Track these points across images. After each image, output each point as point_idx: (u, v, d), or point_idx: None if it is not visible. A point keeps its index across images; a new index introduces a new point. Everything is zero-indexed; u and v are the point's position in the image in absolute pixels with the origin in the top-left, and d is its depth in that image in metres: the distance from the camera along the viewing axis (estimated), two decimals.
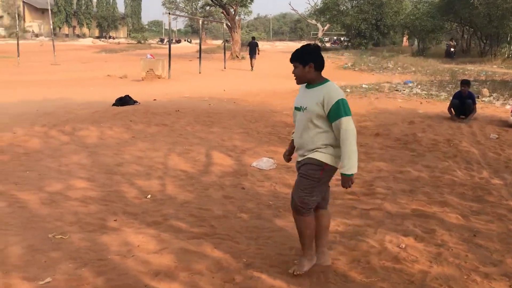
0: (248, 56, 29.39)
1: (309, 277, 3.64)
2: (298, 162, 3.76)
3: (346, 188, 3.55)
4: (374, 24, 45.95)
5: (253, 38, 31.91)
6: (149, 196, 5.85)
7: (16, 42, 31.10)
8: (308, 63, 3.59)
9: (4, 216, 4.90)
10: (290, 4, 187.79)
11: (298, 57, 3.62)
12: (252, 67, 27.52)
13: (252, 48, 27.85)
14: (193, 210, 5.33)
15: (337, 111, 3.42)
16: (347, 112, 3.44)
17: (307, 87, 3.69)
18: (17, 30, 32.38)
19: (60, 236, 4.39)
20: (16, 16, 33.48)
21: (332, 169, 3.59)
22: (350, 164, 3.43)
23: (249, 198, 5.84)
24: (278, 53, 40.11)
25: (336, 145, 3.54)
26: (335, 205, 5.49)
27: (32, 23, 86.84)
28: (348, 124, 3.42)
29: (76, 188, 6.00)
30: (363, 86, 15.47)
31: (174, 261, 3.85)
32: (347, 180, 3.48)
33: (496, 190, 6.11)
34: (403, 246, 4.16)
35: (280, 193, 6.08)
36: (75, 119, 10.02)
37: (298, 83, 3.72)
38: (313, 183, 3.57)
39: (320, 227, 3.82)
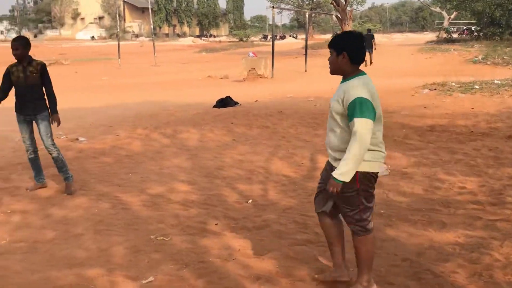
0: None
1: None
2: (330, 164, 3.67)
3: (330, 191, 3.43)
4: (511, 9, 43.27)
5: (369, 30, 31.95)
6: (250, 201, 6.16)
7: (116, 43, 33.56)
8: (341, 52, 3.50)
9: (108, 217, 5.46)
10: None
11: (333, 44, 3.56)
12: (366, 62, 26.46)
13: (368, 41, 26.78)
14: (296, 216, 5.54)
15: (352, 110, 3.33)
16: (363, 113, 3.30)
17: (342, 81, 3.61)
18: (118, 30, 34.90)
19: (162, 237, 4.82)
20: (117, 16, 36.13)
21: (368, 175, 3.52)
22: (345, 170, 3.34)
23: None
24: (395, 46, 39.27)
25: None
26: (457, 215, 5.41)
27: (132, 23, 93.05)
28: (361, 127, 3.29)
29: (177, 191, 6.49)
30: (495, 82, 14.75)
31: (275, 266, 4.08)
32: (334, 185, 3.39)
33: None
34: None
35: (392, 201, 6.09)
36: (176, 121, 10.72)
37: (330, 73, 3.66)
38: (353, 197, 3.53)
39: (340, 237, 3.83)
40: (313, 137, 9.50)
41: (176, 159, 8.04)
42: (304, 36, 38.36)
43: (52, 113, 6.13)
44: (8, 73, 6.05)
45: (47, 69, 6.24)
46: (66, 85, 21.59)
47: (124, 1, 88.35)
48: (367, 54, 25.93)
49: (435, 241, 4.69)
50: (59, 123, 6.18)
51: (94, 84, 21.95)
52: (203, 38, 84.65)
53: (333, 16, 37.17)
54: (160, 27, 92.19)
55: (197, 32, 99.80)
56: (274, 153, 8.36)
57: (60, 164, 6.27)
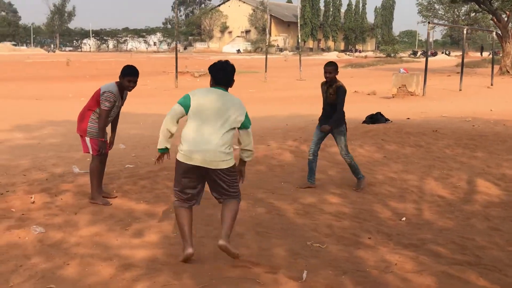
0: None
1: None
2: None
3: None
4: None
5: None
6: (403, 218, 6.25)
7: (261, 56, 34.91)
8: None
9: (265, 221, 5.88)
10: None
11: None
12: None
13: None
14: (454, 237, 5.53)
15: None
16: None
17: None
18: (267, 44, 36.30)
19: (318, 245, 5.11)
20: (267, 30, 37.60)
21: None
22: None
23: None
24: None
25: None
26: None
27: (278, 37, 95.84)
28: None
29: (329, 202, 6.77)
30: None
31: (435, 282, 4.17)
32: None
33: None
34: None
35: None
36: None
37: None
38: None
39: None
40: (471, 159, 9.29)
41: (327, 172, 8.32)
42: (457, 53, 36.90)
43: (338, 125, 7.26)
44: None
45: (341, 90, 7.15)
46: None
47: (271, 15, 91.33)
48: None
49: None
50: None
51: (242, 97, 22.98)
52: (348, 53, 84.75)
53: (493, 33, 35.37)
54: (305, 41, 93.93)
55: (342, 46, 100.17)
56: (428, 173, 8.32)
57: (352, 169, 7.44)
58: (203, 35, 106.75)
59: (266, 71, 33.07)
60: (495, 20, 36.90)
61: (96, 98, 6.15)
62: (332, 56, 74.81)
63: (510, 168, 8.71)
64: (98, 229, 5.40)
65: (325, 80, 7.29)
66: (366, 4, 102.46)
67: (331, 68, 7.18)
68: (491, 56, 33.58)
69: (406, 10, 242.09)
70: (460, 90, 24.29)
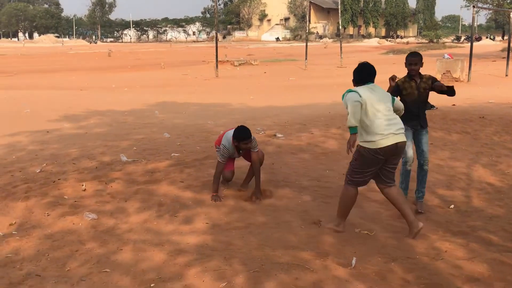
0: None
1: None
2: None
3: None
4: None
5: None
6: (452, 206, 6.18)
7: (301, 44, 34.70)
8: None
9: (311, 208, 5.90)
10: None
11: None
12: None
13: None
14: (505, 225, 5.46)
15: None
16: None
17: None
18: (307, 31, 36.06)
19: (366, 232, 5.11)
20: (307, 17, 37.33)
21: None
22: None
23: None
24: None
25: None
26: None
27: (317, 24, 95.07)
28: None
29: (376, 190, 6.70)
30: None
31: (487, 269, 4.14)
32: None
33: None
34: None
35: None
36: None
37: None
38: None
39: None
40: None
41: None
42: (504, 38, 35.86)
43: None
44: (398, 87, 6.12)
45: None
46: (259, 84, 23.07)
47: (310, 2, 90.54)
48: None
49: None
50: None
51: (282, 84, 23.05)
52: (389, 39, 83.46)
53: None
54: (345, 28, 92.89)
55: (383, 33, 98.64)
56: (476, 160, 8.19)
57: (424, 178, 6.24)
58: (242, 23, 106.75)
59: (306, 58, 32.86)
60: None
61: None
62: (373, 42, 73.85)
63: None
64: (148, 216, 5.53)
65: (408, 74, 6.10)
66: None
67: (417, 59, 6.03)
68: None
69: None
70: (506, 75, 23.65)
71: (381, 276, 4.08)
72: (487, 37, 78.65)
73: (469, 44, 23.01)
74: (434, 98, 13.70)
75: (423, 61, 6.13)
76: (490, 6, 69.78)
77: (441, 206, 6.18)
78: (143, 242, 4.77)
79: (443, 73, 20.56)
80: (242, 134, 6.15)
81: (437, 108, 12.46)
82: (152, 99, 16.75)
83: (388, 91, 5.81)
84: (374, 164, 5.00)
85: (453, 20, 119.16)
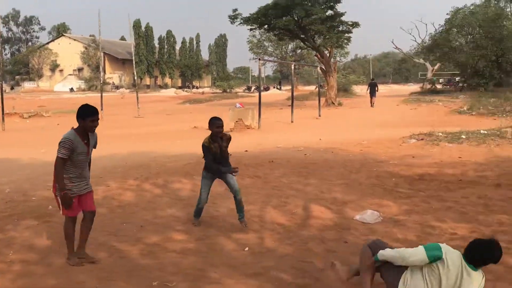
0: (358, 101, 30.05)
1: None
2: None
3: None
4: (494, 61, 44.99)
5: (372, 79, 44.38)
6: (247, 248, 6.43)
7: (96, 94, 34.03)
8: None
9: (107, 266, 5.67)
10: (393, 42, 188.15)
11: None
12: (371, 104, 36.48)
13: (372, 88, 37.18)
14: (294, 262, 5.81)
15: None
16: None
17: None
18: (101, 82, 35.53)
19: (166, 283, 5.04)
20: (101, 68, 36.79)
21: None
22: None
23: (353, 251, 6.21)
24: (380, 98, 40.37)
25: None
26: None
27: (113, 75, 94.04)
28: None
29: (174, 240, 6.73)
30: (482, 132, 15.37)
31: None
32: None
33: None
34: None
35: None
36: (166, 171, 11.00)
37: None
38: None
39: None
40: (305, 186, 9.83)
41: (170, 209, 8.29)
42: (287, 88, 39.21)
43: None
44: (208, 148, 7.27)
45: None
46: (50, 138, 21.81)
47: (104, 53, 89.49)
48: (373, 98, 36.86)
49: None
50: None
51: None
52: (185, 89, 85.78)
53: (318, 68, 38.24)
54: (141, 79, 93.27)
55: (179, 83, 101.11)
56: (267, 202, 8.66)
57: (240, 205, 7.47)
58: (32, 74, 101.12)
59: (102, 109, 32.19)
60: (319, 56, 39.97)
61: None
62: (170, 92, 75.18)
63: (340, 192, 9.38)
64: None
65: (216, 136, 7.24)
66: (200, 41, 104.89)
67: (222, 122, 7.31)
68: (317, 89, 36.18)
69: (238, 48, 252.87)
70: (292, 122, 25.73)
71: None
72: (274, 87, 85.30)
73: (259, 93, 24.70)
74: (229, 145, 14.28)
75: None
76: (275, 58, 76.03)
77: (237, 250, 6.38)
78: None
79: (236, 121, 21.66)
80: (90, 109, 5.63)
81: (231, 154, 12.99)
82: None
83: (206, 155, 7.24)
84: None
85: (243, 71, 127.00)
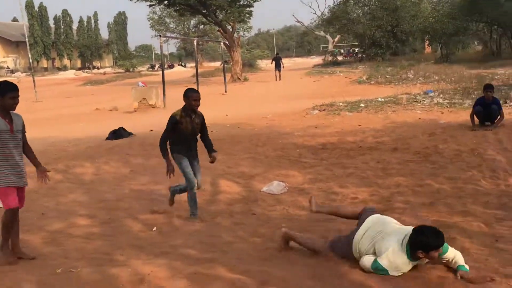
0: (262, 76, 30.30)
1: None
2: None
3: None
4: (390, 31, 46.95)
5: (277, 53, 45.66)
6: (154, 228, 6.37)
7: None
8: None
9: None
10: (294, 16, 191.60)
11: None
12: (277, 77, 36.91)
13: (277, 62, 37.79)
14: (202, 238, 5.84)
15: None
16: None
17: None
18: None
19: (71, 269, 4.90)
20: None
21: None
22: None
23: (261, 223, 6.35)
24: (285, 71, 41.01)
25: None
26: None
27: (7, 58, 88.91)
28: None
29: (78, 225, 6.54)
30: (379, 99, 16.07)
31: (187, 284, 4.35)
32: None
33: None
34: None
35: (293, 215, 6.60)
36: (67, 156, 10.64)
37: None
38: None
39: None
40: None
41: (72, 194, 8.05)
42: (193, 64, 38.96)
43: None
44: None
45: None
46: None
47: None
48: (277, 72, 37.24)
49: None
50: None
51: None
52: (86, 70, 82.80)
53: (221, 43, 38.18)
54: (37, 61, 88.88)
55: (79, 64, 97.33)
56: (175, 181, 8.59)
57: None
58: None
59: None
60: (222, 31, 39.86)
61: None
62: (69, 74, 72.26)
63: (247, 165, 9.50)
64: None
65: (191, 110, 6.49)
66: (98, 20, 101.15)
67: (199, 94, 6.56)
68: (222, 65, 36.14)
69: (139, 25, 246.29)
70: None
71: None
72: (179, 64, 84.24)
73: (162, 71, 24.34)
74: (133, 126, 14.05)
75: None
76: (177, 35, 74.86)
77: (144, 231, 6.31)
78: None
79: (140, 101, 21.25)
80: (9, 85, 5.11)
81: (135, 135, 12.79)
82: None
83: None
84: None
85: (146, 49, 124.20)
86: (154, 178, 8.86)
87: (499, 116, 10.89)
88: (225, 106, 21.61)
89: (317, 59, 71.99)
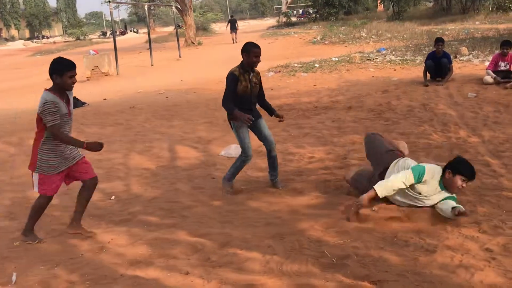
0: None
1: (284, 245, 4.20)
2: None
3: None
4: None
5: (232, 16, 45.61)
6: (113, 197, 6.33)
7: None
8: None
9: None
10: None
11: None
12: (233, 40, 36.64)
13: (232, 24, 37.85)
14: (162, 204, 5.84)
15: None
16: None
17: None
18: None
19: (29, 242, 4.84)
20: None
21: None
22: None
23: (221, 186, 6.36)
24: (240, 34, 40.62)
25: None
26: (309, 181, 6.08)
27: None
28: None
29: (34, 198, 6.39)
30: (333, 59, 16.16)
31: (148, 250, 4.37)
32: None
33: (473, 147, 6.83)
34: (376, 209, 4.75)
35: (251, 177, 6.65)
36: (21, 129, 10.36)
37: None
38: None
39: None
40: (169, 128, 9.79)
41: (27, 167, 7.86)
42: (145, 30, 38.14)
43: None
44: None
45: None
46: None
47: None
48: (233, 34, 37.26)
49: (292, 205, 5.30)
50: None
51: None
52: (35, 40, 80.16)
53: (173, 7, 37.39)
54: None
55: (28, 34, 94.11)
56: (132, 149, 8.52)
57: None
58: None
59: None
60: None
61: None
62: (18, 44, 69.89)
63: (205, 130, 9.47)
64: None
65: (250, 67, 5.89)
66: None
67: (261, 50, 5.90)
68: (175, 30, 35.46)
69: None
70: (152, 65, 25.19)
71: (44, 284, 3.93)
72: (131, 31, 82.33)
73: (113, 38, 23.75)
74: (87, 95, 13.75)
75: None
76: (127, 0, 72.85)
77: (102, 200, 6.25)
78: None
79: (92, 69, 20.74)
80: (67, 62, 4.71)
81: (89, 104, 12.54)
82: None
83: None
84: None
85: (96, 16, 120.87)
86: (110, 147, 8.74)
87: (449, 71, 11.12)
88: (180, 71, 21.31)
89: (271, 21, 71.48)
